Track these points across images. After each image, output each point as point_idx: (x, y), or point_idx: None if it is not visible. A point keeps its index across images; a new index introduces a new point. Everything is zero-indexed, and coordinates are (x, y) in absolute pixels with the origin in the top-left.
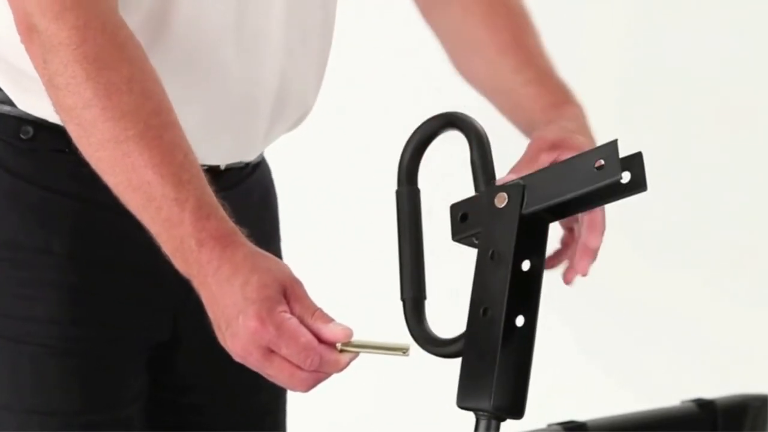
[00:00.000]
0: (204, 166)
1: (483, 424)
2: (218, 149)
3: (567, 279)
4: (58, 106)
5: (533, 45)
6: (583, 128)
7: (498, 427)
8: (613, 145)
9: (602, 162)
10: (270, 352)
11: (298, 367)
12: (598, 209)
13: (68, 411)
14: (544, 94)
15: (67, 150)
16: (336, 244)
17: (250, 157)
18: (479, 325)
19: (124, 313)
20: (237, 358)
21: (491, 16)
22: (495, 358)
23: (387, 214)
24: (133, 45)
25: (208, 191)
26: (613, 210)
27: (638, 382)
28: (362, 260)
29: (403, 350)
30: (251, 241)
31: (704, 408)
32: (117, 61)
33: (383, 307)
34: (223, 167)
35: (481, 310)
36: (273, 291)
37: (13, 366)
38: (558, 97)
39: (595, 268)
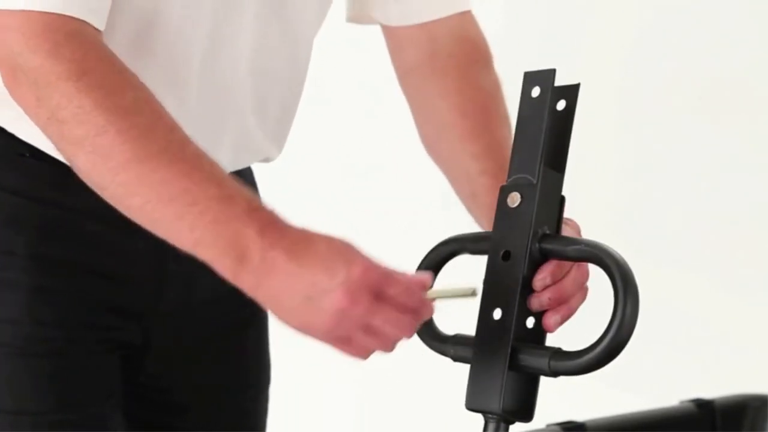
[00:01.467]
0: None
1: (492, 426)
2: None
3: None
4: (64, 141)
5: (498, 133)
6: None
7: (507, 430)
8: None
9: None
10: (378, 297)
11: (402, 312)
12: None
13: (39, 411)
14: (496, 187)
15: (27, 154)
16: None
17: None
18: (490, 326)
19: (90, 314)
20: (332, 321)
21: (463, 100)
22: (506, 360)
23: (378, 213)
24: (130, 72)
25: (247, 190)
26: (612, 209)
27: (637, 382)
28: None
29: (473, 292)
30: None
31: (703, 408)
32: (121, 87)
33: None
34: None
35: (492, 312)
36: (358, 248)
37: None
38: None
39: (595, 267)
